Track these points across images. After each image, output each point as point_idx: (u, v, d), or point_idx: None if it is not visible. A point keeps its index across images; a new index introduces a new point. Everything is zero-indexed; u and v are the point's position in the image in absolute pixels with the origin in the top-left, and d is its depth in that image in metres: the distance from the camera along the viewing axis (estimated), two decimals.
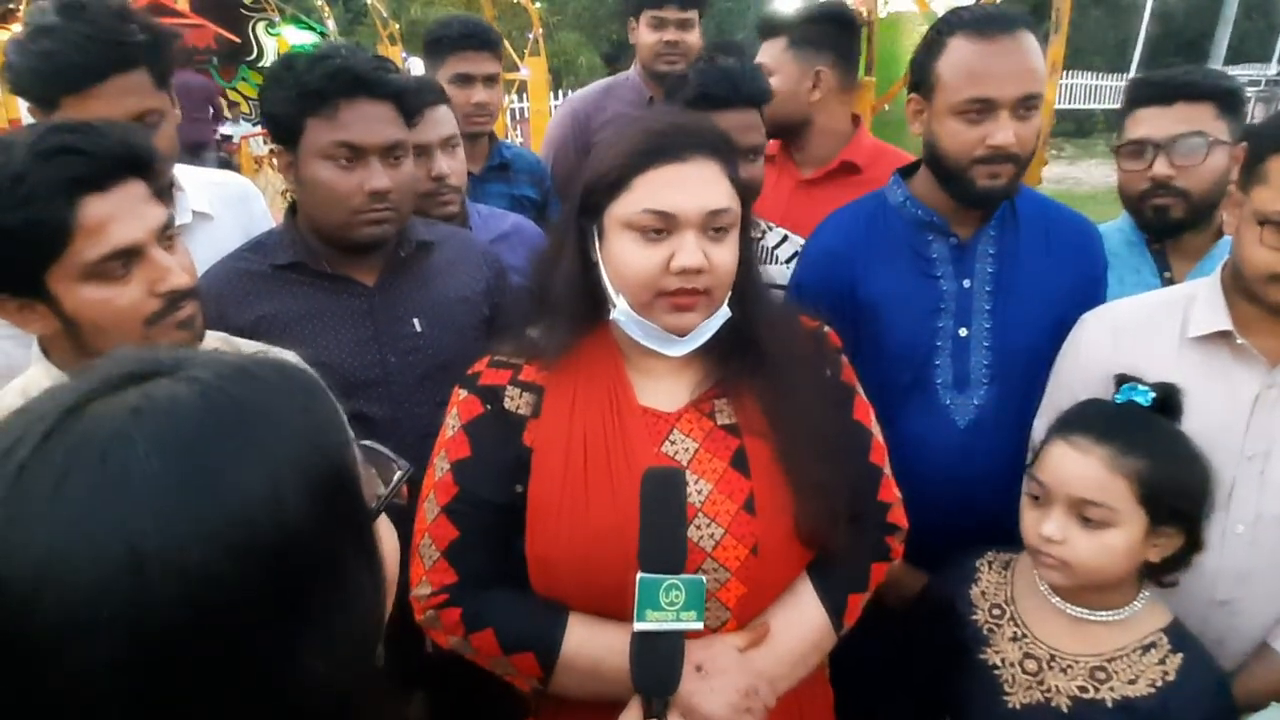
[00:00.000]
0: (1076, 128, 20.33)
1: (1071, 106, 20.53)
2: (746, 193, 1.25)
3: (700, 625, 0.99)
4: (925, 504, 1.46)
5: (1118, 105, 1.91)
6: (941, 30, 1.60)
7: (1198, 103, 1.79)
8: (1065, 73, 20.00)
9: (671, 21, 2.73)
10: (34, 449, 0.51)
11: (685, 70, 1.97)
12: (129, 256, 1.14)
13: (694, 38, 2.78)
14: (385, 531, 0.69)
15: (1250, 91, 15.88)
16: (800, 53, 2.34)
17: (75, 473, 0.50)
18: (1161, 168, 1.81)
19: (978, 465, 1.65)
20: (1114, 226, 1.99)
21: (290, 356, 1.44)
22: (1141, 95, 1.87)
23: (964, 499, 1.63)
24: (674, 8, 2.72)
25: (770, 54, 2.37)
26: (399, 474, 0.70)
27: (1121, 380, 1.38)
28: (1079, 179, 14.66)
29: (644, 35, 2.79)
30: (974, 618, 1.44)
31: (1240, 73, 19.75)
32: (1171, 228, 1.85)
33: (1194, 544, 1.32)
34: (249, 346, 1.41)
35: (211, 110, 9.78)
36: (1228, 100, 1.80)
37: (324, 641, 0.56)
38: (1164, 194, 1.82)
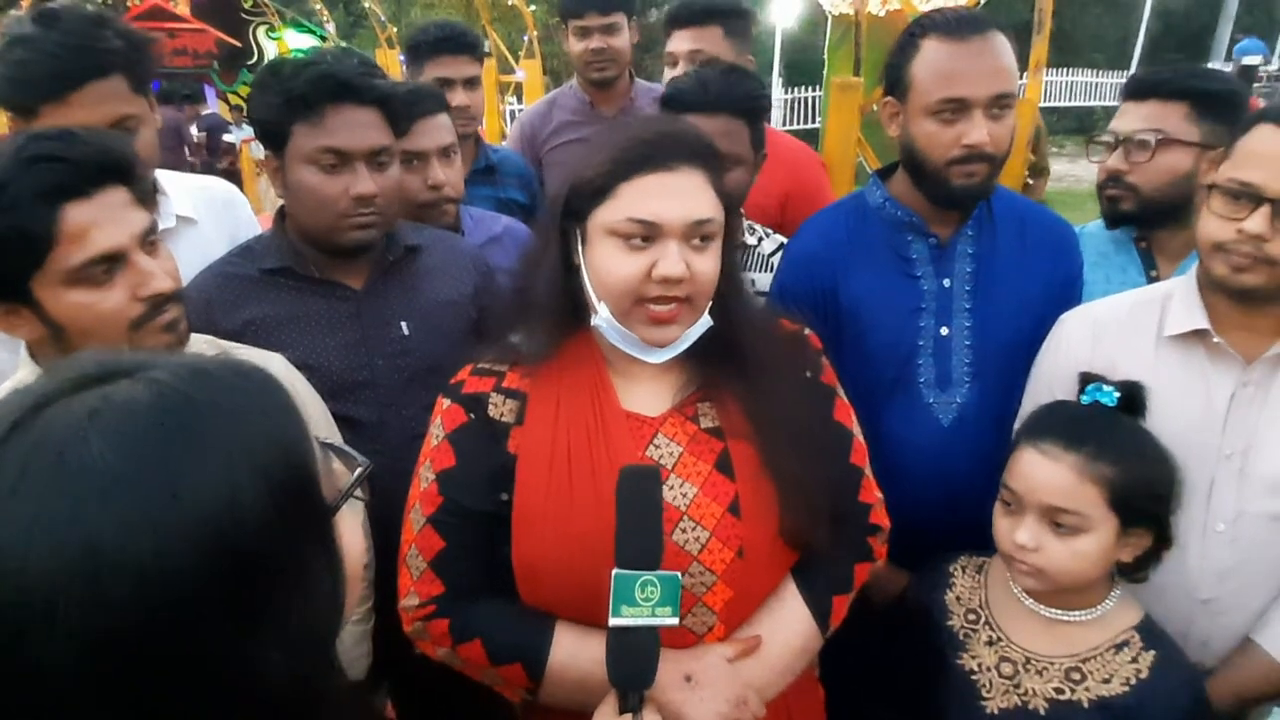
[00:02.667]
0: (1078, 124, 20.28)
1: (1072, 104, 20.49)
2: (731, 201, 1.25)
3: (676, 621, 1.00)
4: (910, 502, 1.48)
5: (1119, 102, 1.92)
6: (914, 33, 1.61)
7: (1170, 101, 1.78)
8: (1066, 70, 19.97)
9: (595, 29, 2.74)
10: None
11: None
12: (112, 262, 1.15)
13: (621, 42, 2.77)
14: (348, 527, 0.70)
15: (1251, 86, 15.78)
16: (734, 42, 2.38)
17: (33, 471, 0.52)
18: (1114, 161, 1.84)
19: (961, 462, 1.66)
20: (1100, 224, 1.98)
21: (278, 359, 1.46)
22: (1127, 90, 1.89)
23: (948, 496, 1.64)
24: (594, 14, 2.72)
25: (708, 40, 2.38)
26: (358, 470, 0.71)
27: (1086, 380, 1.39)
28: (1079, 176, 14.56)
29: (571, 44, 2.81)
30: (949, 623, 1.45)
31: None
32: (1124, 219, 1.88)
33: (1164, 541, 1.33)
34: (236, 350, 1.43)
35: (183, 142, 9.84)
36: (1206, 101, 1.77)
37: (281, 634, 0.57)
38: (1115, 186, 1.85)
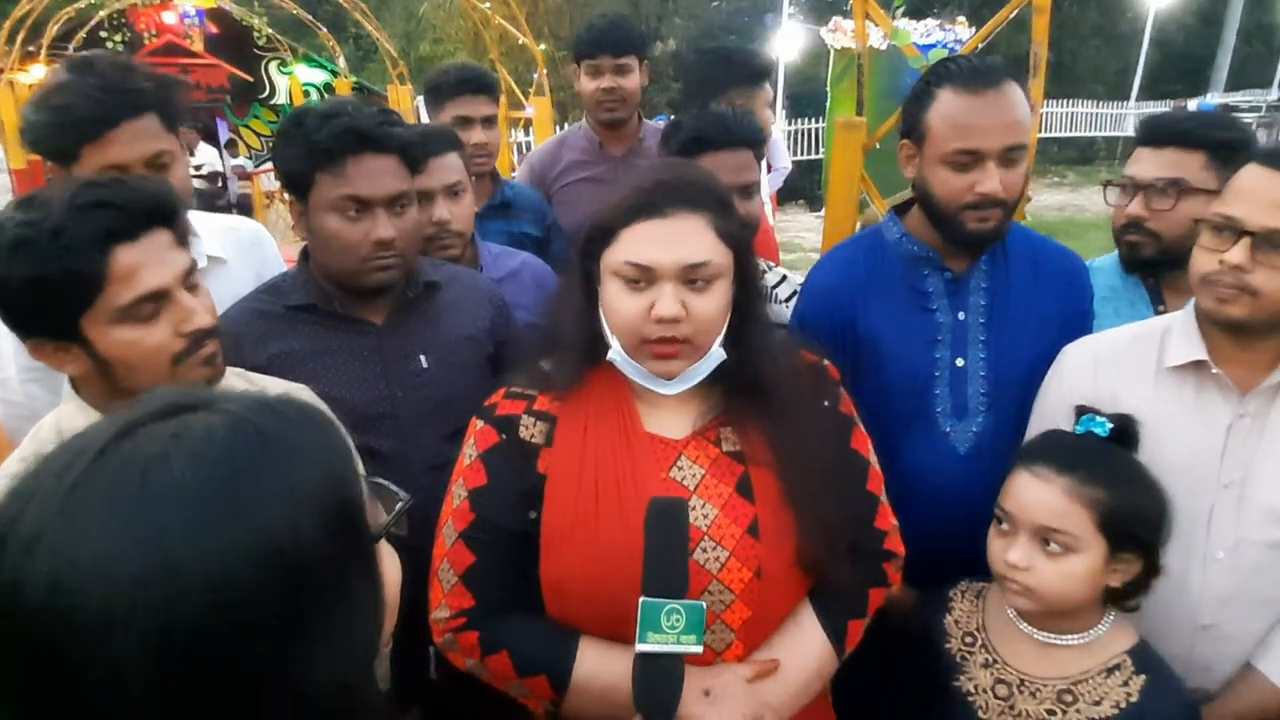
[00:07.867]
0: (1079, 154, 20.40)
1: (1074, 134, 20.64)
2: (742, 238, 1.30)
3: (700, 649, 1.05)
4: (929, 528, 1.51)
5: (1119, 133, 1.94)
6: (931, 82, 1.65)
7: (1189, 150, 1.80)
8: (1067, 101, 20.16)
9: (607, 69, 2.80)
10: (86, 467, 0.57)
11: (682, 117, 2.04)
12: (157, 300, 1.21)
13: (632, 83, 2.83)
14: (387, 558, 0.75)
15: (1250, 117, 15.92)
16: None
17: (120, 487, 0.57)
18: (1135, 208, 1.86)
19: (978, 490, 1.66)
20: (1111, 260, 2.02)
21: (305, 391, 1.51)
22: (1142, 135, 1.90)
23: (966, 523, 1.65)
24: (607, 56, 2.78)
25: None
26: (400, 505, 0.76)
27: (1080, 411, 1.43)
28: (1081, 206, 14.67)
29: (584, 84, 2.87)
30: (947, 646, 1.48)
31: (1240, 99, 19.84)
32: (1143, 264, 1.90)
33: (1152, 569, 1.36)
34: (265, 382, 1.48)
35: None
36: (1221, 150, 1.78)
37: (328, 647, 0.62)
38: (1135, 232, 1.87)
